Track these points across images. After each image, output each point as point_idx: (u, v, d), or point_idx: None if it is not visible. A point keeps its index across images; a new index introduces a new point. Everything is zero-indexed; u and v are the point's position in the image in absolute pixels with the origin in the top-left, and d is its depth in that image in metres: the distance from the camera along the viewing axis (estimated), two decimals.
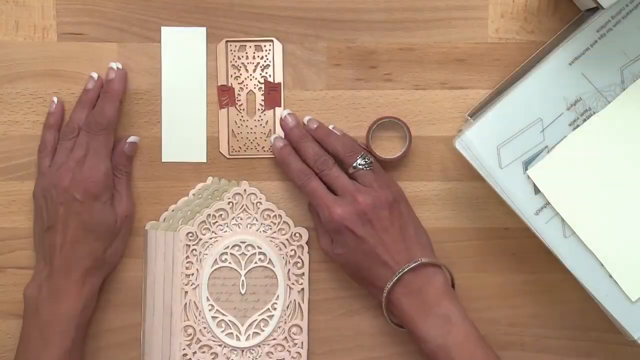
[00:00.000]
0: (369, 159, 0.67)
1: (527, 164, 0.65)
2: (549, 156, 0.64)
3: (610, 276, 0.64)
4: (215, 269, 0.71)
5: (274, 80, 0.68)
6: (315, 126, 0.69)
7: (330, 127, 0.70)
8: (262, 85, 0.68)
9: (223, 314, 0.70)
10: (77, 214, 0.66)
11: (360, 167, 0.67)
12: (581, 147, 0.64)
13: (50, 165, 0.68)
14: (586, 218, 0.65)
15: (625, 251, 0.65)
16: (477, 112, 0.69)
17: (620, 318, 0.64)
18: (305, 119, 0.69)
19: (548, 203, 0.64)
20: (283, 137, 0.69)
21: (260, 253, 0.70)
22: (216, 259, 0.71)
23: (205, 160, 0.71)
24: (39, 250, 0.68)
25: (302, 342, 0.70)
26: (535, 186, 0.65)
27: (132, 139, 0.69)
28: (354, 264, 0.67)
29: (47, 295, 0.66)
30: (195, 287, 0.70)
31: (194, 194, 0.73)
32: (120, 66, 0.68)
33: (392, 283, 0.64)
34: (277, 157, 0.70)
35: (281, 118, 0.69)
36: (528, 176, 0.64)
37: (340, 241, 0.66)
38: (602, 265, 0.64)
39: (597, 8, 0.62)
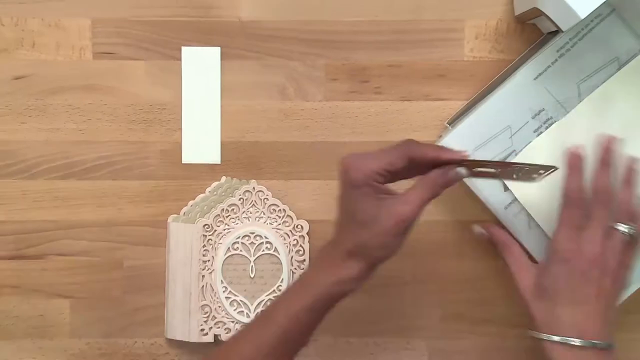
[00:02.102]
0: (634, 231, 0.63)
1: None
2: (515, 159, 0.70)
3: None
4: (228, 256, 0.75)
5: None
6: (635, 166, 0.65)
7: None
8: None
9: (235, 295, 0.74)
10: (341, 199, 0.63)
11: (621, 231, 0.63)
12: (543, 150, 0.69)
13: None
14: (546, 210, 0.69)
15: None
16: (455, 120, 0.74)
17: None
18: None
19: (515, 199, 0.70)
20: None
21: (267, 242, 0.75)
22: (229, 247, 0.75)
23: (219, 162, 0.76)
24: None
25: None
26: (504, 184, 0.70)
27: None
28: (555, 292, 0.63)
29: (315, 259, 0.66)
30: (211, 272, 0.74)
31: (209, 191, 0.76)
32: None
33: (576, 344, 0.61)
34: (568, 159, 0.65)
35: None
36: None
37: (553, 271, 0.63)
38: None
39: (557, 31, 0.67)
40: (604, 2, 0.60)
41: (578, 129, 0.69)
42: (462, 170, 0.61)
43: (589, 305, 0.62)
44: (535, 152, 0.69)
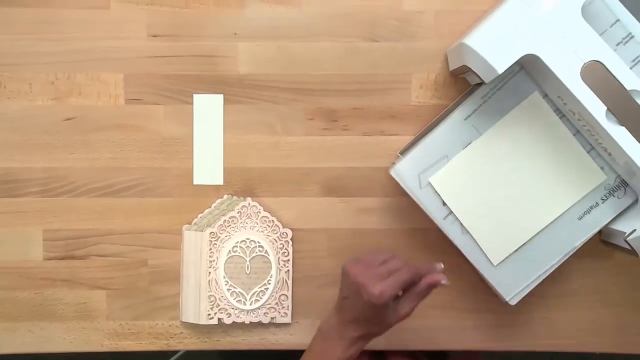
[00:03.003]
0: None
1: None
2: (444, 168, 0.79)
3: (486, 256, 0.79)
4: (229, 257, 0.83)
5: None
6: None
7: None
8: None
9: (234, 287, 0.83)
10: (362, 307, 0.71)
11: None
12: (465, 163, 0.80)
13: (362, 261, 0.73)
14: (475, 220, 0.80)
15: (494, 232, 0.80)
16: (405, 150, 0.83)
17: (496, 286, 0.81)
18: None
19: (451, 212, 0.79)
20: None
21: (259, 246, 0.83)
22: (230, 250, 0.82)
23: (222, 183, 0.85)
24: (338, 303, 0.75)
25: (288, 306, 0.84)
26: (442, 200, 0.79)
27: (432, 279, 0.71)
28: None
29: (327, 334, 0.74)
30: (216, 269, 0.82)
31: (214, 206, 0.85)
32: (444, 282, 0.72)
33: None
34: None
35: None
36: (438, 193, 0.79)
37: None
38: (482, 250, 0.79)
39: (481, 83, 0.77)
40: (515, 62, 0.72)
41: (487, 149, 0.80)
42: (445, 282, 0.72)
43: None
44: (459, 164, 0.80)
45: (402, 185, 0.81)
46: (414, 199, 0.81)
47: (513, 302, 0.82)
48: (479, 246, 0.82)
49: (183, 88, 0.85)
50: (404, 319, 0.73)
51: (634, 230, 0.77)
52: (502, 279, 0.82)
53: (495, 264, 0.82)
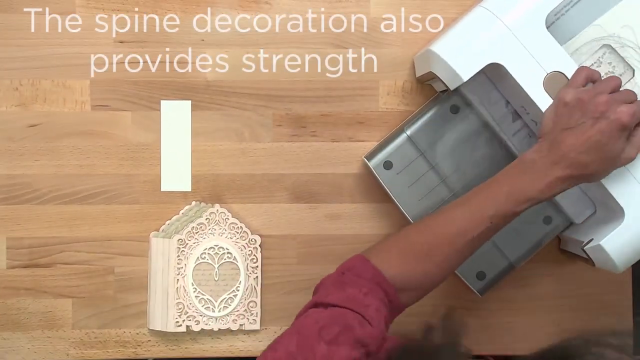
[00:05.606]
0: None
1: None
2: None
3: None
4: (197, 264, 0.83)
5: None
6: None
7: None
8: None
9: (203, 294, 0.83)
10: (597, 134, 0.64)
11: None
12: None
13: (584, 86, 0.67)
14: None
15: None
16: (371, 155, 0.82)
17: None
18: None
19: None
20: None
21: (228, 253, 0.83)
22: (198, 257, 0.83)
23: (190, 190, 0.85)
24: (549, 135, 0.66)
25: (256, 312, 0.84)
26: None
27: None
28: None
29: (528, 167, 0.67)
30: (184, 276, 0.82)
31: (182, 213, 0.85)
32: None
33: None
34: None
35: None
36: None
37: None
38: None
39: (447, 89, 0.76)
40: (480, 70, 0.72)
41: None
42: None
43: None
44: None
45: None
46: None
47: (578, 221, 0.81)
48: None
49: (150, 94, 0.84)
50: (629, 161, 0.66)
51: (591, 239, 0.77)
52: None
53: None
